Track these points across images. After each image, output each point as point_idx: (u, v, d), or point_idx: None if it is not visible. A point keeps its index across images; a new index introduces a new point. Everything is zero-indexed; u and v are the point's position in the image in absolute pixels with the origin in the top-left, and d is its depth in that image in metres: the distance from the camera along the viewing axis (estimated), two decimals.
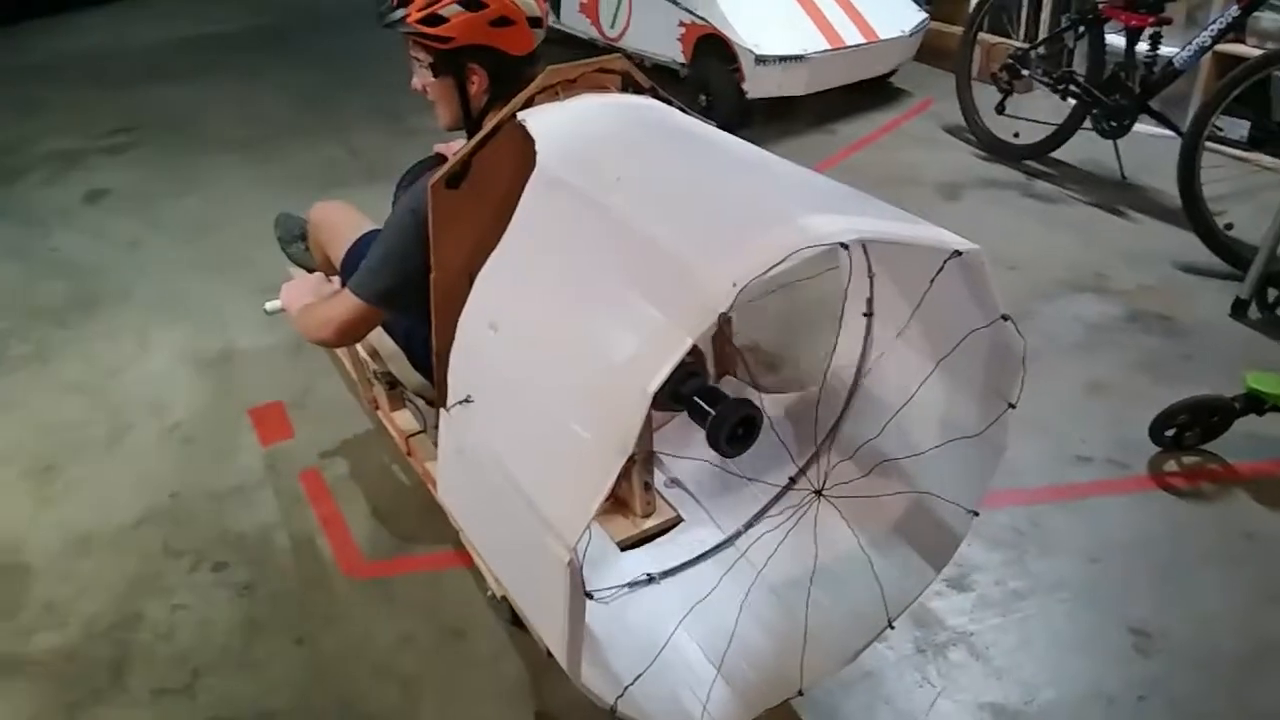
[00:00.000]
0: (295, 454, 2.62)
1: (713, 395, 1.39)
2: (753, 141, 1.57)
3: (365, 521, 2.38)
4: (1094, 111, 3.80)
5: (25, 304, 3.50)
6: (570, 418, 1.21)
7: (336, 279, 2.25)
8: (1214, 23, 3.50)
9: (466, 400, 1.41)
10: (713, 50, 4.42)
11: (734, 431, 1.37)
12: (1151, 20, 3.62)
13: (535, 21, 1.74)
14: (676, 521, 1.92)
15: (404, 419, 2.29)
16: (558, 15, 5.41)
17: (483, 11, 1.67)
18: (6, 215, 4.19)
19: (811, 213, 1.17)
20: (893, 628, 1.65)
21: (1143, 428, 2.47)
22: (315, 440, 2.67)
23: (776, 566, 1.73)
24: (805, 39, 4.19)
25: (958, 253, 1.26)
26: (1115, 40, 3.81)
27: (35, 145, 4.89)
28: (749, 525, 1.87)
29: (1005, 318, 1.35)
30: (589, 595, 1.62)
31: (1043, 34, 4.67)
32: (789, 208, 1.22)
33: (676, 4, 4.48)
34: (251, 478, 2.55)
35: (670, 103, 1.73)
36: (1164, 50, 3.69)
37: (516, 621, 2.01)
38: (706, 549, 1.85)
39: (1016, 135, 3.97)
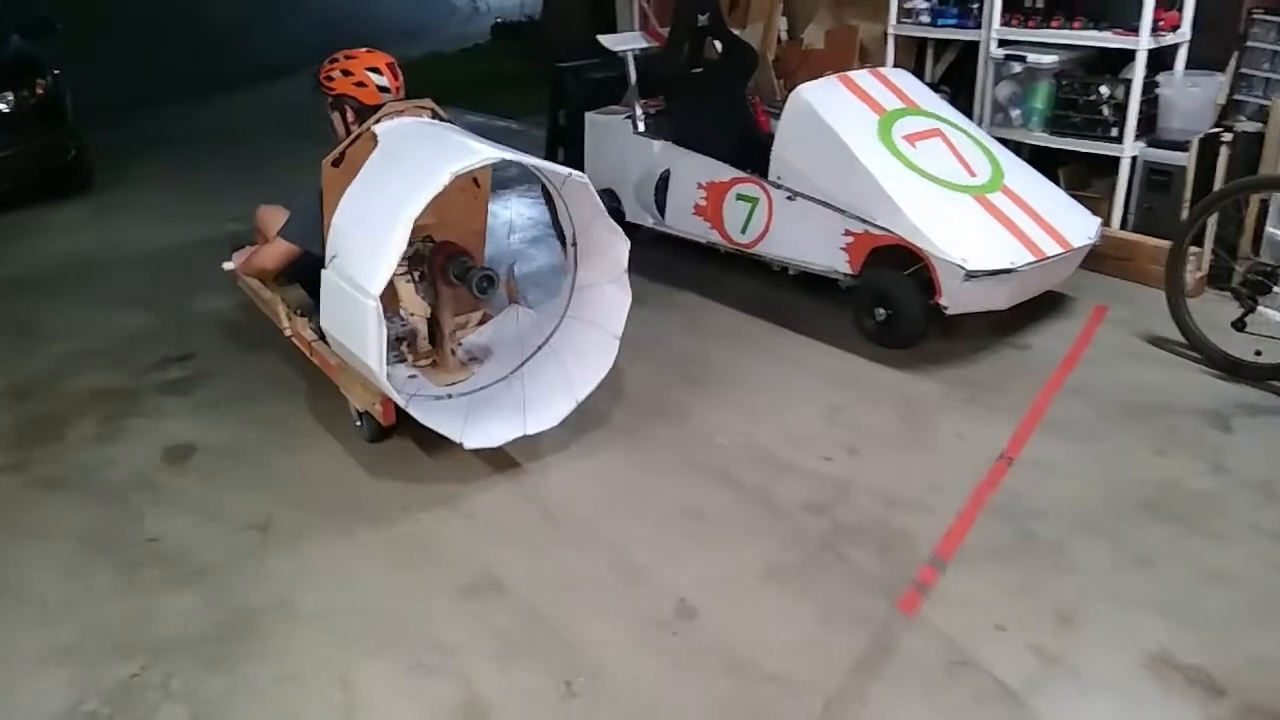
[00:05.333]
0: None
1: (469, 268, 3.19)
2: (944, 358, 3.28)
3: None
4: None
5: (148, 635, 2.61)
6: (379, 231, 2.81)
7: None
8: None
9: (334, 258, 3.01)
10: (887, 260, 4.00)
11: (480, 284, 3.13)
12: None
13: (382, 89, 3.43)
14: (470, 374, 3.55)
15: (301, 325, 3.71)
16: (661, 216, 4.94)
17: (348, 78, 3.44)
18: (66, 487, 3.29)
19: (492, 149, 2.95)
20: (579, 401, 3.31)
21: None
22: None
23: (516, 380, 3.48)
24: (1011, 251, 3.81)
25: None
26: None
27: (64, 384, 4.00)
28: (505, 377, 3.51)
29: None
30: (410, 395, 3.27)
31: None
32: (483, 149, 2.94)
33: (843, 212, 4.06)
34: None
35: (451, 122, 3.38)
36: None
37: (373, 439, 3.40)
38: (480, 386, 3.48)
39: (1259, 353, 3.65)
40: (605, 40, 5.19)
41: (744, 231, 4.55)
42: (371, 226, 2.89)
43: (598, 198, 3.16)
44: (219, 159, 6.77)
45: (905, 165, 4.05)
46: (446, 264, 3.26)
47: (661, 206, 4.94)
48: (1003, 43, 5.00)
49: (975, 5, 5.20)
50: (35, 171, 6.15)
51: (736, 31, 5.47)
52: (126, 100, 8.96)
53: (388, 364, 3.08)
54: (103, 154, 6.73)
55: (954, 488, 3.09)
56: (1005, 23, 4.96)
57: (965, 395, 3.66)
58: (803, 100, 4.25)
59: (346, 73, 3.45)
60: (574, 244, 3.39)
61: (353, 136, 3.26)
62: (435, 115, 3.36)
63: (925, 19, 5.32)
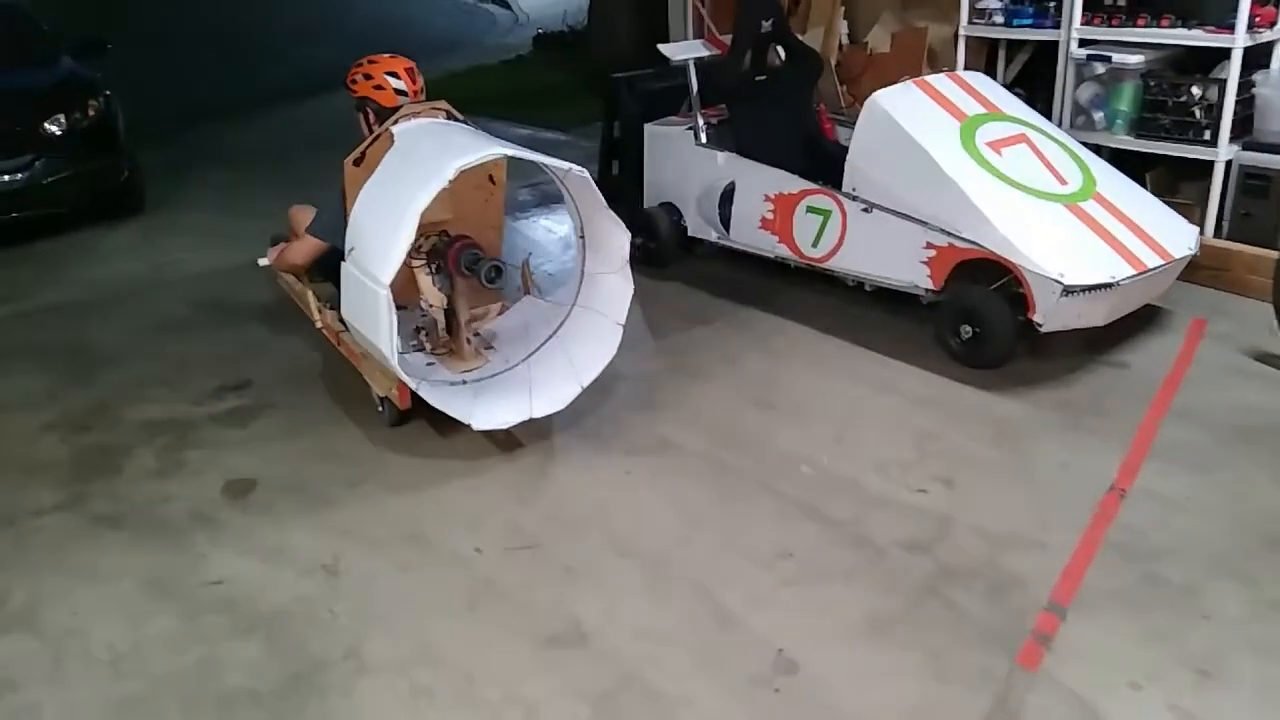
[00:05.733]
0: None
1: (479, 259, 3.34)
2: (1035, 378, 3.60)
3: None
4: None
5: (217, 687, 2.46)
6: (391, 224, 2.99)
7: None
8: None
9: (352, 250, 3.24)
10: (973, 275, 3.79)
11: (489, 274, 3.30)
12: None
13: (400, 92, 3.60)
14: (484, 362, 3.68)
15: (331, 318, 3.86)
16: (725, 230, 4.75)
17: (369, 82, 3.61)
18: (125, 525, 3.17)
19: (497, 146, 3.16)
20: (584, 385, 3.44)
21: None
22: None
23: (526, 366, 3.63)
24: (1110, 264, 3.57)
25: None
26: None
27: (120, 413, 3.89)
28: (516, 364, 3.64)
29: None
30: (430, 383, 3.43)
31: None
32: (487, 146, 3.15)
33: (925, 225, 3.85)
34: None
35: (465, 122, 3.55)
36: None
37: (394, 423, 3.56)
38: (493, 373, 3.62)
39: None
40: (666, 49, 5.02)
41: (815, 245, 4.34)
42: (384, 220, 3.10)
43: (598, 191, 3.31)
44: (266, 180, 6.61)
45: (992, 174, 3.83)
46: (459, 256, 3.39)
47: (726, 220, 4.74)
48: (1084, 42, 4.76)
49: (1052, 4, 4.98)
50: (88, 195, 6.07)
51: (798, 36, 5.28)
52: (171, 117, 8.93)
53: (408, 352, 3.60)
54: (151, 174, 6.65)
55: (1064, 523, 2.87)
56: (1086, 21, 4.72)
57: (1063, 419, 3.43)
58: (879, 108, 4.05)
59: (368, 76, 3.64)
60: (581, 236, 3.55)
61: (372, 136, 3.46)
62: (450, 116, 3.55)
63: (999, 19, 5.09)
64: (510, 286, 3.81)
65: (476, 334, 3.75)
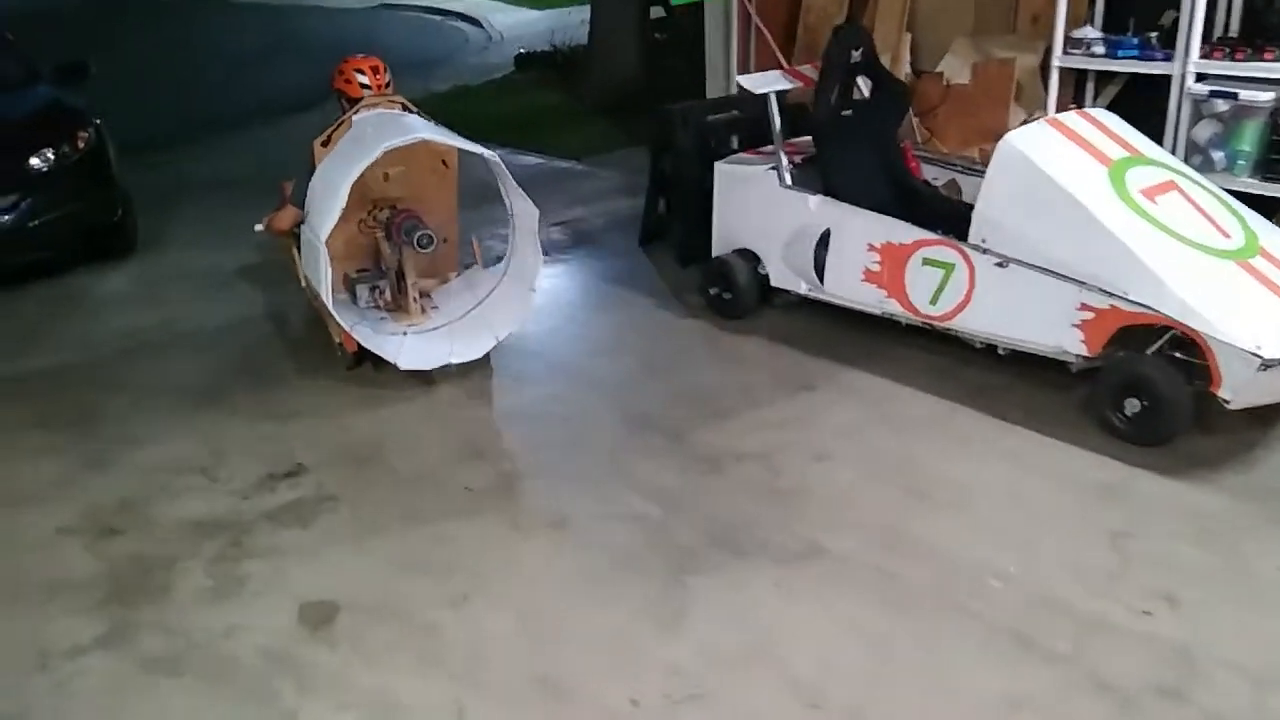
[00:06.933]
0: None
1: (415, 229, 3.90)
2: (1218, 459, 3.23)
3: None
4: None
5: None
6: (331, 191, 3.60)
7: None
8: None
9: (308, 215, 3.93)
10: (1130, 338, 3.37)
11: (420, 241, 3.86)
12: None
13: (364, 85, 4.20)
14: (427, 319, 4.25)
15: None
16: (820, 282, 4.28)
17: (341, 76, 4.24)
18: (186, 670, 2.59)
19: (423, 132, 3.79)
20: (499, 339, 4.06)
21: None
22: None
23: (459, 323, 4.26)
24: None
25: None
26: None
27: (155, 511, 3.30)
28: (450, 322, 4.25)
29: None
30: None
31: None
32: (415, 131, 3.78)
33: (1079, 283, 3.42)
34: None
35: (416, 112, 4.18)
36: None
37: (350, 366, 4.15)
38: (432, 328, 4.22)
39: None
40: (745, 81, 4.55)
41: (934, 303, 3.89)
42: (328, 190, 3.71)
43: (503, 169, 3.88)
44: (254, 206, 5.79)
45: (1154, 226, 3.42)
46: (401, 226, 4.01)
47: (820, 270, 4.29)
48: (1201, 77, 4.39)
49: (1153, 34, 4.62)
50: (79, 236, 5.44)
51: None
52: (144, 143, 8.23)
53: (369, 307, 4.29)
54: (138, 206, 6.01)
55: None
56: (1205, 55, 4.35)
57: (1268, 511, 3.01)
58: (1015, 150, 3.62)
59: (340, 72, 4.30)
60: (511, 214, 4.12)
61: (336, 122, 4.14)
62: (405, 108, 4.21)
63: (1099, 50, 4.69)
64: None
65: (425, 295, 4.31)
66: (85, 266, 5.54)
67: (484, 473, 3.47)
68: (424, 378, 4.04)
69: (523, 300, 4.15)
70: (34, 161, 5.21)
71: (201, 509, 3.30)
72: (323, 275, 3.68)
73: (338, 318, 3.79)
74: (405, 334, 4.13)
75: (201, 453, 3.65)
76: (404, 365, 3.89)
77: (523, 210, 4.01)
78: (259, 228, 4.41)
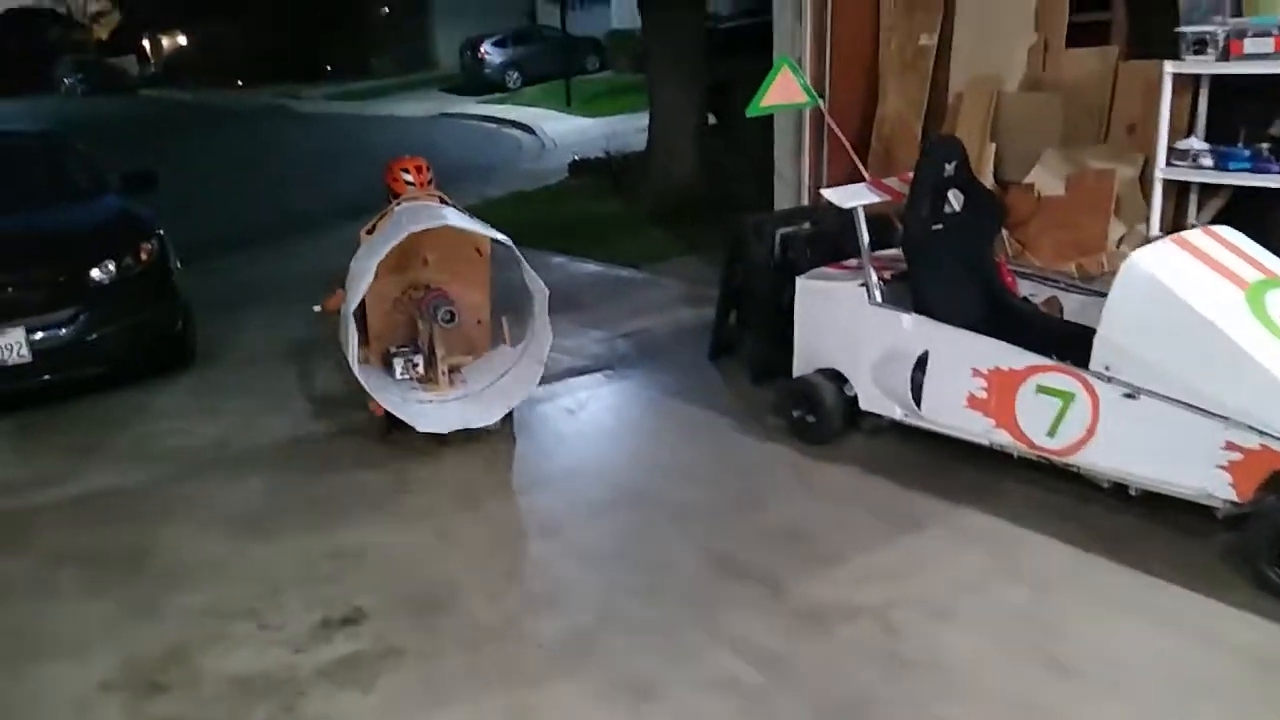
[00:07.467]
0: None
1: (439, 307, 4.40)
2: None
3: None
4: None
5: None
6: (363, 269, 4.11)
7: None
8: None
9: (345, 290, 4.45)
10: None
11: (442, 317, 4.39)
12: None
13: (408, 182, 4.71)
14: (453, 392, 4.63)
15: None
16: (917, 407, 3.98)
17: (389, 174, 4.78)
18: None
19: (444, 219, 4.33)
20: (513, 411, 4.51)
21: None
22: None
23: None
24: None
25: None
26: None
27: (199, 664, 3.01)
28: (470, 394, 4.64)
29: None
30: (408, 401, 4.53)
31: None
32: (436, 219, 4.30)
33: (1225, 419, 3.08)
34: None
35: (452, 204, 4.75)
36: None
37: (382, 433, 4.50)
38: (455, 398, 4.59)
39: None
40: (831, 195, 4.33)
41: (1052, 435, 3.56)
42: (361, 269, 4.16)
43: (517, 253, 4.26)
44: (311, 317, 5.90)
45: None
46: (429, 304, 4.46)
47: (918, 394, 3.98)
48: None
49: (1264, 145, 4.35)
50: (137, 350, 5.31)
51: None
52: (204, 248, 8.23)
53: (402, 378, 4.63)
54: (198, 313, 5.90)
55: None
56: None
57: None
58: (1143, 271, 3.33)
59: (389, 169, 4.80)
60: (533, 296, 4.50)
61: (380, 214, 4.70)
62: (442, 200, 4.72)
63: (1206, 162, 4.43)
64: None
65: (456, 370, 4.71)
66: (140, 381, 5.37)
67: (557, 625, 3.14)
68: (478, 507, 3.97)
69: (532, 372, 4.55)
70: (95, 274, 5.11)
71: (251, 661, 3.00)
72: (349, 342, 4.15)
73: (364, 384, 4.19)
74: (430, 403, 4.53)
75: (252, 590, 3.37)
76: (421, 428, 4.28)
77: (536, 290, 4.41)
78: (317, 309, 4.80)
